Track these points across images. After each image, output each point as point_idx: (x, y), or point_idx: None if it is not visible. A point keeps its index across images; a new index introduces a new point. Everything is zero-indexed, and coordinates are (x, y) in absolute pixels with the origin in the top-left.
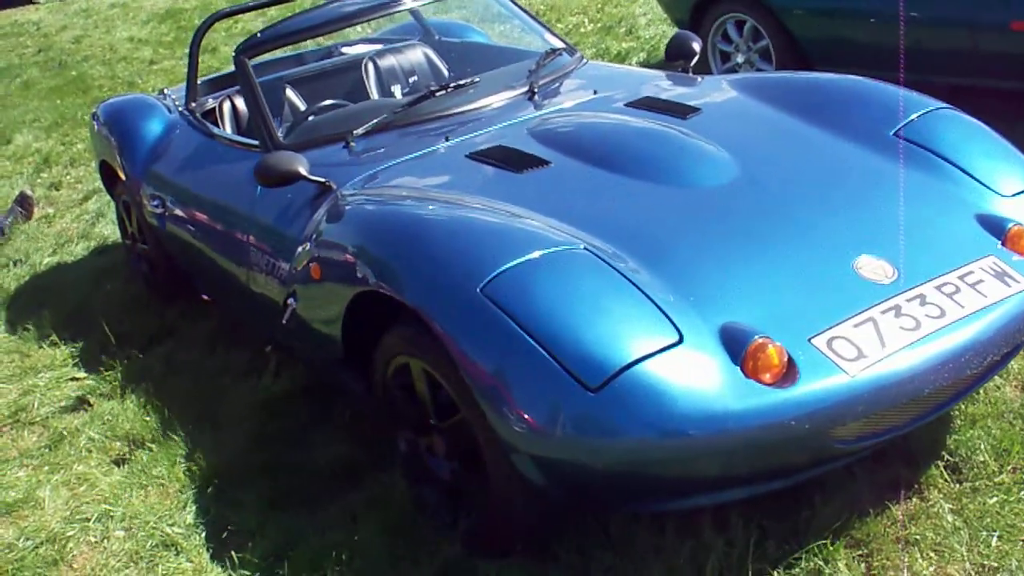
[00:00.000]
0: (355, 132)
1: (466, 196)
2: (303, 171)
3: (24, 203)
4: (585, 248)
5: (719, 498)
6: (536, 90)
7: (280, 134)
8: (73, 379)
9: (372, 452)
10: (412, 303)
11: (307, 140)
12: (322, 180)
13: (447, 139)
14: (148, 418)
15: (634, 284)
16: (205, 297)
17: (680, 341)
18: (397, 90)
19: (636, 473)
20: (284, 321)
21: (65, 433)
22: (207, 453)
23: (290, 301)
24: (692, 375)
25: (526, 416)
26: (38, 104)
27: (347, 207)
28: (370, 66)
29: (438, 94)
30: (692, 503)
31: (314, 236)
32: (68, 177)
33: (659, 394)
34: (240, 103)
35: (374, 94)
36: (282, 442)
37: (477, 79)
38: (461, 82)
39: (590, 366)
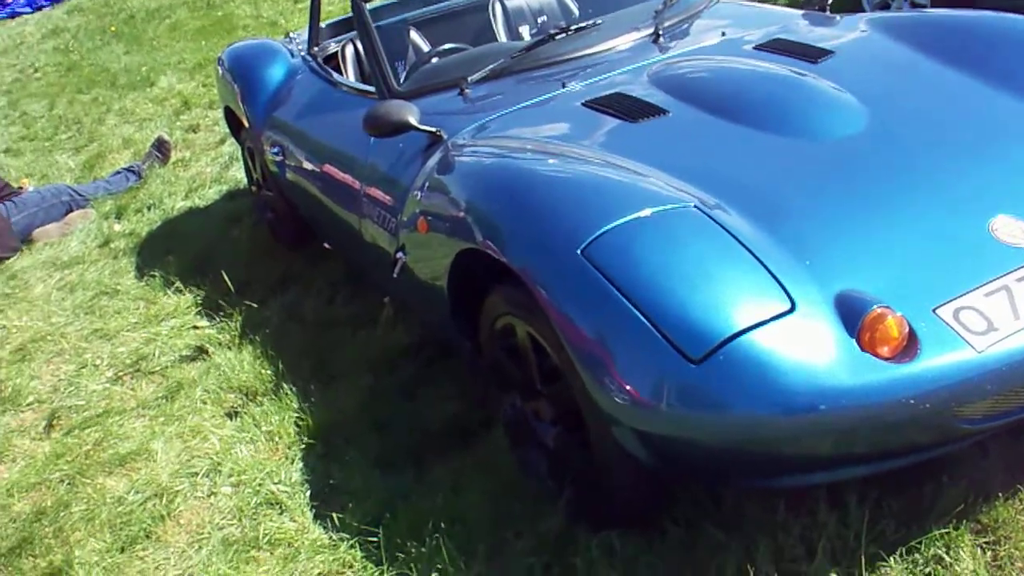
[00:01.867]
0: (470, 78)
1: (579, 147)
2: (412, 120)
3: (161, 147)
4: (695, 206)
5: (834, 476)
6: (662, 32)
7: (393, 81)
8: (194, 327)
9: (483, 412)
10: (514, 263)
11: (423, 86)
12: (432, 129)
13: (564, 86)
14: (263, 370)
15: (745, 247)
16: (327, 245)
17: (792, 310)
18: (525, 31)
19: (742, 449)
20: (395, 275)
21: (183, 384)
22: (318, 407)
23: (399, 255)
24: (803, 347)
25: (626, 387)
26: (184, 45)
27: (456, 158)
28: (497, 7)
29: (558, 38)
30: (804, 481)
31: (423, 187)
32: (206, 119)
33: (766, 367)
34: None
35: (502, 36)
36: (395, 398)
37: (599, 21)
38: (582, 24)
39: (693, 336)
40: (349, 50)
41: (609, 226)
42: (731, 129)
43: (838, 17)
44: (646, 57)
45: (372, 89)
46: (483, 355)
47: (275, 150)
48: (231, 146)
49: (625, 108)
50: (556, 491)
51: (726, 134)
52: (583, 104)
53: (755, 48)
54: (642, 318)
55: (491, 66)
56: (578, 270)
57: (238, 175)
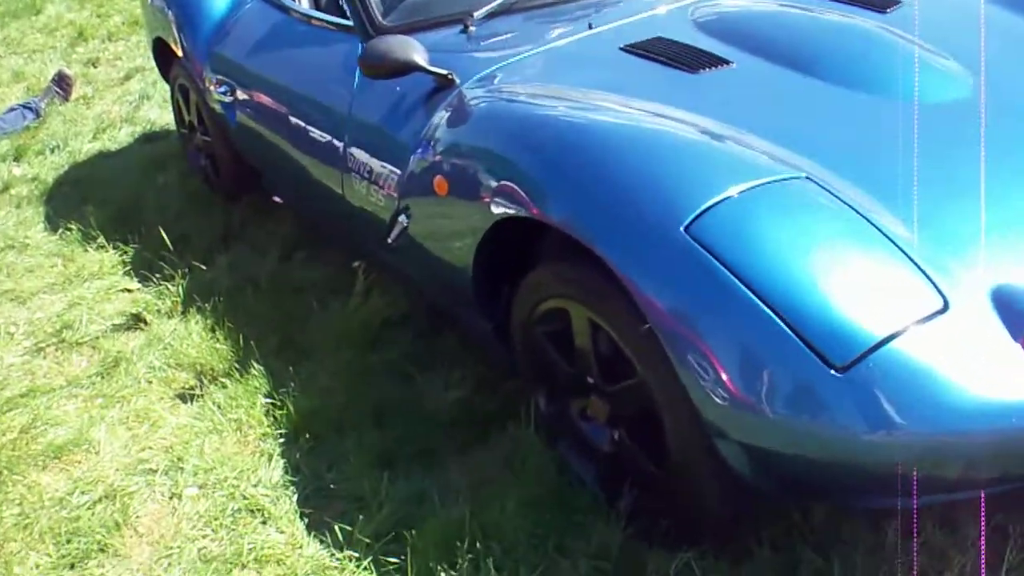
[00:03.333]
0: (476, 14)
1: (632, 100)
2: (421, 61)
3: (62, 83)
4: (807, 178)
5: (954, 496)
6: None
7: (378, 14)
8: (125, 291)
9: (497, 397)
10: (585, 238)
11: (413, 22)
12: (444, 72)
13: (591, 26)
14: (219, 345)
15: (879, 230)
16: (277, 199)
17: (944, 308)
18: None
19: (872, 470)
20: (390, 240)
21: (120, 358)
22: (294, 392)
23: (401, 218)
24: (961, 354)
25: (747, 397)
26: None
27: (479, 106)
28: None
29: None
30: (924, 502)
31: (435, 141)
32: (106, 53)
33: (922, 378)
34: None
35: None
36: (385, 380)
37: None
38: None
39: (836, 339)
40: None
41: (717, 198)
42: (811, 86)
43: None
44: None
45: (349, 23)
46: (512, 340)
47: (222, 90)
48: (140, 83)
49: (676, 56)
50: (607, 501)
51: (807, 92)
52: (622, 49)
53: None
54: (771, 314)
55: (499, 2)
56: (683, 252)
57: (152, 115)
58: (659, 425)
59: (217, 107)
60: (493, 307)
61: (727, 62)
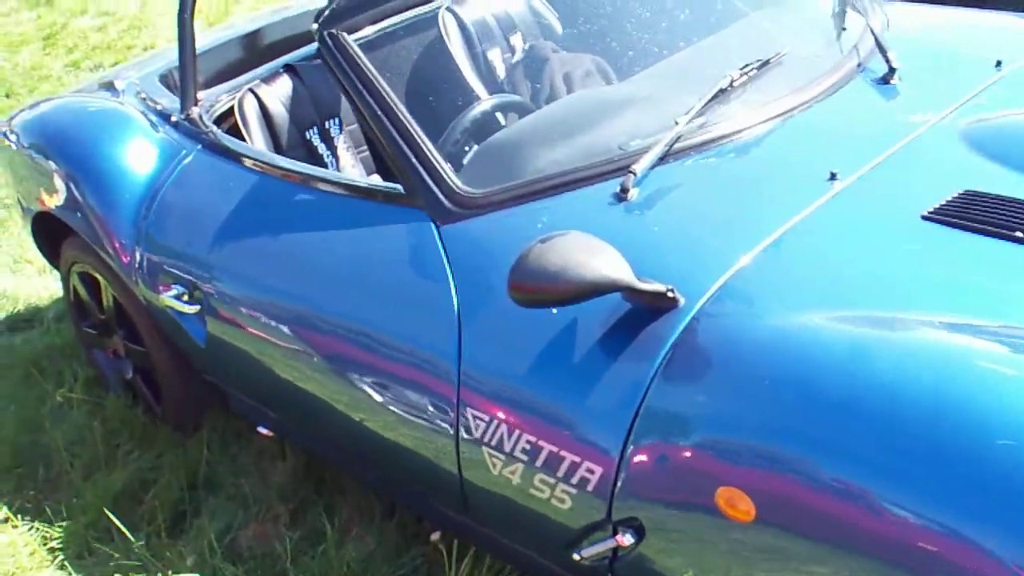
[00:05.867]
0: (636, 168)
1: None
2: (627, 278)
3: None
4: None
5: None
6: (895, 64)
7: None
8: None
9: None
10: None
11: (520, 187)
12: (661, 289)
13: (834, 177)
14: None
15: None
16: (264, 431)
17: None
18: (496, 58)
19: None
20: (580, 557)
21: None
22: None
23: (627, 537)
24: None
25: None
26: None
27: (765, 348)
28: (449, 21)
29: (736, 84)
30: None
31: (683, 416)
32: None
33: None
34: (273, 97)
35: (465, 65)
36: None
37: (781, 51)
38: (765, 59)
39: None
40: (251, 105)
41: None
42: None
43: None
44: (901, 111)
45: (395, 188)
46: None
47: (175, 292)
48: None
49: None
50: None
51: None
52: (927, 218)
53: None
54: None
55: (663, 145)
56: None
57: (3, 284)
58: None
59: (168, 312)
60: None
61: None
